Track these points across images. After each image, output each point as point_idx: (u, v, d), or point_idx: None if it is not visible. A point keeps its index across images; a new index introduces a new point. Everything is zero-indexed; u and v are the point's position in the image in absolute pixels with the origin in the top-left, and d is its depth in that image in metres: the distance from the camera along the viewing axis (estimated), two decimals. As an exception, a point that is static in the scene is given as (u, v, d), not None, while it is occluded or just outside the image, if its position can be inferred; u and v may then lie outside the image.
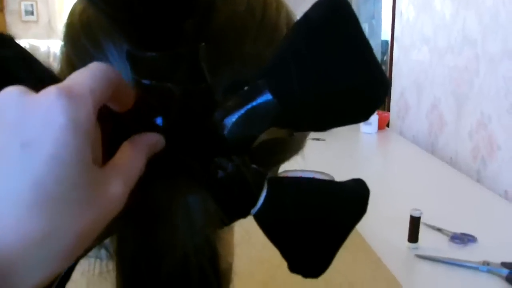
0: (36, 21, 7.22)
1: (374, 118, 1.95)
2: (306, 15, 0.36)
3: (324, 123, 0.38)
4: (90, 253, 0.40)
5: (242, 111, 0.34)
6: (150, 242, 0.34)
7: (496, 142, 1.53)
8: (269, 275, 0.88)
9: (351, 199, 0.43)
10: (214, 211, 0.35)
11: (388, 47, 2.50)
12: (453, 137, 1.80)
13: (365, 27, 3.14)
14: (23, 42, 5.46)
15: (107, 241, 0.40)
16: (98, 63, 0.29)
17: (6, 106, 0.27)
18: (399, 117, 2.31)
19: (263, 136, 0.37)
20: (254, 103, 0.34)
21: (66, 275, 0.37)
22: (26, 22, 7.19)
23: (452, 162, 1.78)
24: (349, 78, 0.35)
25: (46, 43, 6.41)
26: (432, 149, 1.95)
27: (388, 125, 2.17)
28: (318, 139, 1.87)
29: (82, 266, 0.41)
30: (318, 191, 0.41)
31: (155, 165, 0.34)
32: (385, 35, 2.82)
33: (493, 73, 1.56)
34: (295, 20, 0.45)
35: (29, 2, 7.14)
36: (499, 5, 1.53)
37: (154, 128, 0.34)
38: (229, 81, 0.36)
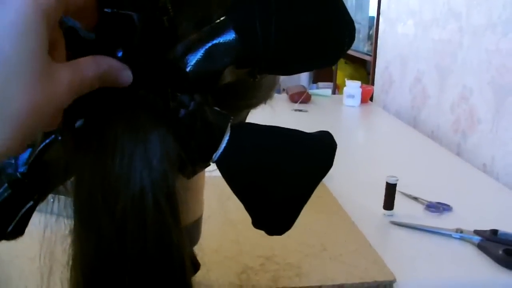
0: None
1: (357, 91, 1.94)
2: None
3: (288, 64, 0.38)
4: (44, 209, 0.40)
5: (205, 46, 0.34)
6: (107, 177, 0.33)
7: (477, 115, 1.53)
8: (242, 236, 0.87)
9: (316, 148, 0.42)
10: (173, 148, 0.35)
11: (374, 21, 2.48)
12: (435, 110, 1.80)
13: (352, 1, 3.11)
14: None
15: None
16: None
17: None
18: (383, 90, 2.30)
19: (227, 78, 0.36)
20: (217, 39, 0.34)
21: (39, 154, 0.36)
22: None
23: (433, 136, 1.78)
24: (312, 16, 0.35)
25: None
26: (414, 123, 1.95)
27: (371, 99, 2.17)
28: (300, 110, 1.86)
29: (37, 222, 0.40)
30: (283, 138, 0.40)
31: (115, 98, 0.34)
32: (373, 11, 2.80)
33: (476, 46, 1.55)
34: None
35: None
36: (485, -23, 1.51)
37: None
38: (194, 18, 0.35)
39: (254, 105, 0.46)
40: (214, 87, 0.36)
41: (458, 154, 1.61)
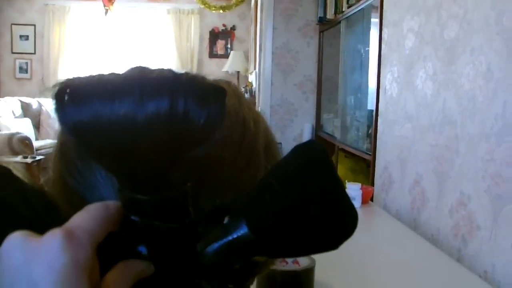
0: (30, 79, 7.31)
1: (358, 193, 1.98)
2: (284, 161, 0.40)
3: (297, 253, 0.42)
4: None
5: (221, 242, 0.37)
6: None
7: (476, 222, 1.56)
8: None
9: None
10: None
11: (373, 120, 2.56)
12: (435, 214, 1.84)
13: (351, 99, 3.23)
14: (16, 100, 5.42)
15: None
16: (98, 204, 0.34)
17: (12, 251, 0.30)
18: (383, 190, 2.34)
19: (240, 262, 0.40)
20: (231, 236, 0.37)
21: None
22: (20, 79, 7.28)
23: (434, 239, 1.81)
24: (321, 219, 0.39)
25: (38, 100, 6.49)
26: (415, 225, 1.97)
27: (372, 199, 2.20)
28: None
29: None
30: None
31: (139, 286, 0.36)
32: (371, 105, 2.90)
33: (472, 154, 1.61)
34: (272, 140, 0.49)
35: (24, 60, 7.25)
36: (476, 90, 1.60)
37: (139, 256, 0.37)
38: (210, 207, 0.39)
39: (262, 272, 0.50)
40: (230, 272, 0.40)
41: (459, 259, 1.62)
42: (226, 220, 0.38)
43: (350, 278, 1.27)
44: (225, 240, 0.37)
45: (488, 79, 1.54)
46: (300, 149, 0.39)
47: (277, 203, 0.37)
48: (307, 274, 1.14)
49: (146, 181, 0.35)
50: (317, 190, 0.38)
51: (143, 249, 0.37)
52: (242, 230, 0.37)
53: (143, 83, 0.33)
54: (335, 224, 0.39)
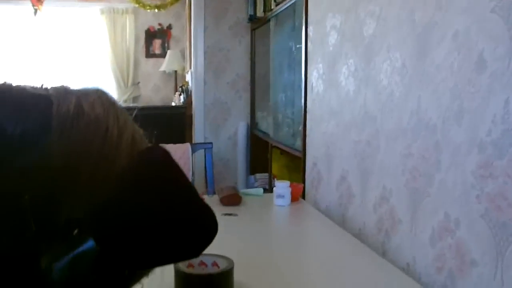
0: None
1: (287, 191, 1.98)
2: (126, 170, 0.39)
3: (156, 262, 0.40)
4: None
5: (68, 256, 0.36)
6: None
7: (397, 216, 1.59)
8: None
9: None
10: None
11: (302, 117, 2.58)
12: (361, 209, 1.86)
13: (282, 97, 3.24)
14: None
15: None
16: None
17: None
18: (313, 186, 2.36)
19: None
20: (78, 250, 0.36)
21: None
22: None
23: (361, 233, 1.83)
24: (168, 223, 0.37)
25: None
26: (343, 220, 2.00)
27: (304, 197, 2.22)
28: (230, 214, 1.88)
29: None
30: None
31: None
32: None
33: (391, 150, 1.64)
34: (140, 144, 0.47)
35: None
36: (393, 86, 1.63)
37: None
38: (61, 221, 0.37)
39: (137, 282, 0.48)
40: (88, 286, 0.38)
41: (384, 253, 1.65)
42: (74, 234, 0.36)
43: (273, 278, 1.26)
44: (71, 254, 0.36)
45: (403, 75, 1.57)
46: (140, 157, 0.38)
47: (123, 212, 0.36)
48: (224, 277, 1.13)
49: None
50: (159, 195, 0.38)
51: None
52: (89, 242, 0.35)
53: None
54: (185, 228, 0.38)
